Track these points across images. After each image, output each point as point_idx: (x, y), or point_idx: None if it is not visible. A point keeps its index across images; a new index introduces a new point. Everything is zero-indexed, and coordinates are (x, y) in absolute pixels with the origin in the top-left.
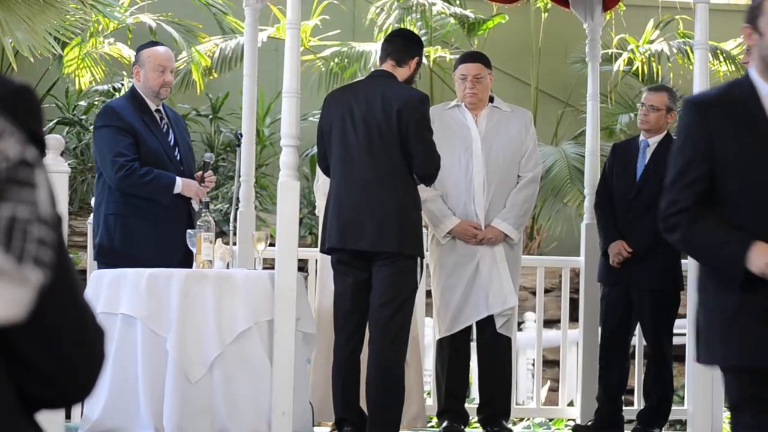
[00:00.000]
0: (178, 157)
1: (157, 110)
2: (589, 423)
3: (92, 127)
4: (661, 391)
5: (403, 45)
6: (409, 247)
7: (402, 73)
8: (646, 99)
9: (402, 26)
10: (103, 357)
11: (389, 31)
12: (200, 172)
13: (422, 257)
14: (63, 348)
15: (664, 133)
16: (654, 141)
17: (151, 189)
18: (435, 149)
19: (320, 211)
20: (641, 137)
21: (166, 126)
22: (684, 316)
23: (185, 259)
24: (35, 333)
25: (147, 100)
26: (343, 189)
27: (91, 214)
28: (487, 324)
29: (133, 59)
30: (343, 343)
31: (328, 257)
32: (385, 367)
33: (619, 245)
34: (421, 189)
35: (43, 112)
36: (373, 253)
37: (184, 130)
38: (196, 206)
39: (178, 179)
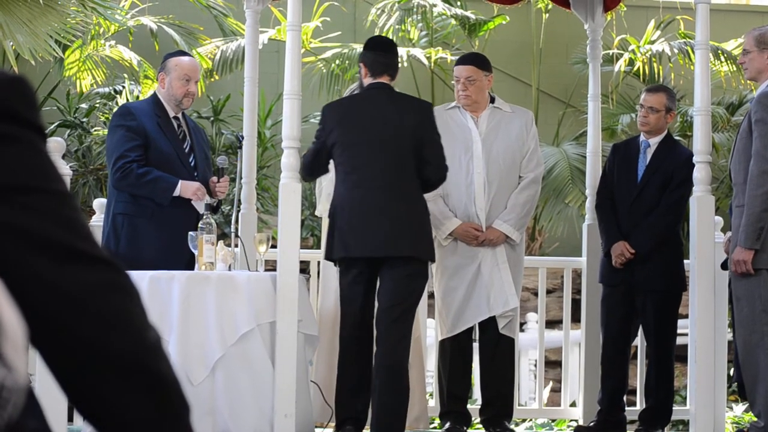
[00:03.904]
0: (192, 163)
1: (175, 117)
2: (591, 424)
3: (93, 129)
4: (664, 391)
5: (397, 61)
6: (423, 251)
7: (394, 84)
8: (644, 100)
9: (403, 28)
10: None
11: (390, 32)
12: (214, 177)
13: (433, 261)
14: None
15: (665, 133)
16: (655, 141)
17: (149, 190)
18: (444, 156)
19: (321, 212)
20: (642, 137)
21: (183, 133)
22: (685, 317)
23: (191, 261)
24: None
25: (167, 106)
26: (357, 197)
27: (93, 216)
28: (489, 325)
29: (134, 62)
30: (350, 346)
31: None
32: (390, 368)
33: (622, 246)
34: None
35: (38, 101)
36: (383, 259)
37: (203, 142)
38: (199, 208)
39: (180, 182)
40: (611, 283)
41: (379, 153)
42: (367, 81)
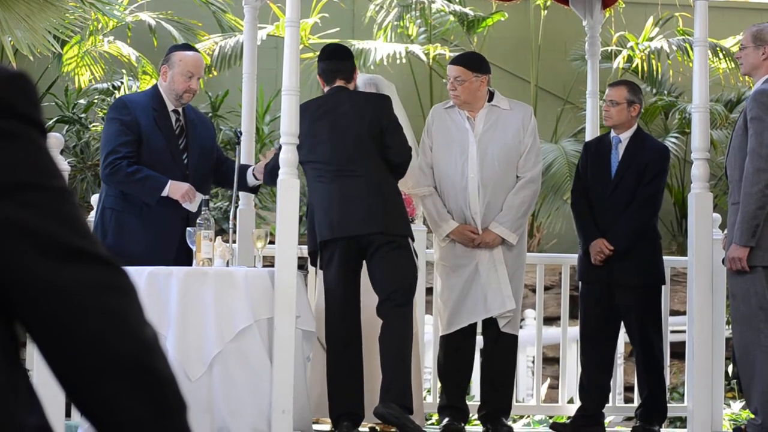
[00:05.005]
0: (185, 161)
1: (175, 111)
2: (569, 420)
3: (92, 125)
4: (655, 387)
5: (349, 66)
6: (398, 226)
7: (351, 86)
8: (606, 95)
9: (401, 24)
10: None
11: (388, 28)
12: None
13: (413, 238)
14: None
15: (635, 127)
16: (625, 137)
17: (137, 189)
18: (406, 140)
19: None
20: (612, 133)
21: (180, 128)
22: (683, 314)
23: (177, 258)
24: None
25: (167, 100)
26: (330, 188)
27: (92, 212)
28: (491, 321)
29: (133, 58)
30: (339, 338)
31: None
32: (400, 337)
33: (600, 244)
34: (417, 185)
35: (38, 97)
36: (365, 243)
37: (205, 134)
38: (190, 208)
39: (169, 182)
40: (589, 280)
41: (345, 146)
42: (326, 89)
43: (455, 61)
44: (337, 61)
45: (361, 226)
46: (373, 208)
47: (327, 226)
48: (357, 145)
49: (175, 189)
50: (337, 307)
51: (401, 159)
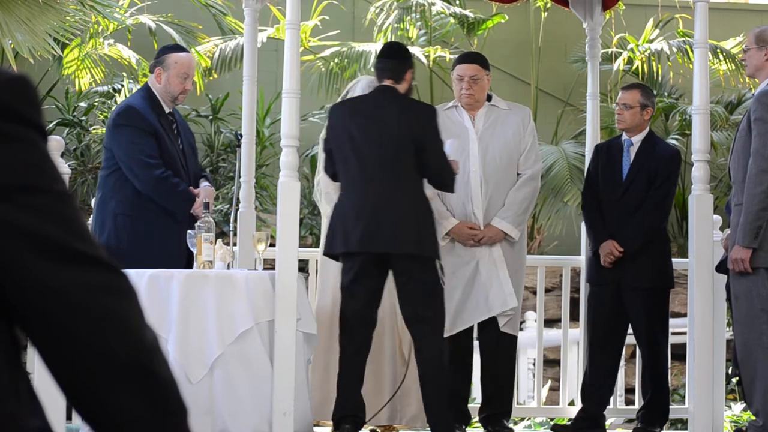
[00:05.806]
0: (185, 165)
1: (170, 113)
2: (569, 422)
3: (92, 128)
4: (658, 389)
5: (397, 65)
6: (428, 248)
7: (402, 88)
8: (619, 98)
9: (401, 26)
10: None
11: (389, 31)
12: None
13: (439, 258)
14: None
15: (647, 130)
16: (637, 139)
17: (176, 200)
18: (446, 158)
19: (324, 213)
20: (624, 136)
21: (176, 130)
22: (684, 315)
23: (189, 264)
24: None
25: (162, 102)
26: (362, 196)
27: (91, 215)
28: (489, 323)
29: (133, 60)
30: (351, 344)
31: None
32: (440, 363)
33: (610, 245)
34: None
35: (39, 100)
36: (393, 260)
37: (190, 135)
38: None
39: (198, 199)
40: (598, 282)
41: (381, 150)
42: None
43: (468, 60)
44: (384, 59)
45: (391, 245)
46: (405, 226)
47: (356, 238)
48: (396, 151)
49: (197, 204)
50: (354, 313)
51: (437, 181)
